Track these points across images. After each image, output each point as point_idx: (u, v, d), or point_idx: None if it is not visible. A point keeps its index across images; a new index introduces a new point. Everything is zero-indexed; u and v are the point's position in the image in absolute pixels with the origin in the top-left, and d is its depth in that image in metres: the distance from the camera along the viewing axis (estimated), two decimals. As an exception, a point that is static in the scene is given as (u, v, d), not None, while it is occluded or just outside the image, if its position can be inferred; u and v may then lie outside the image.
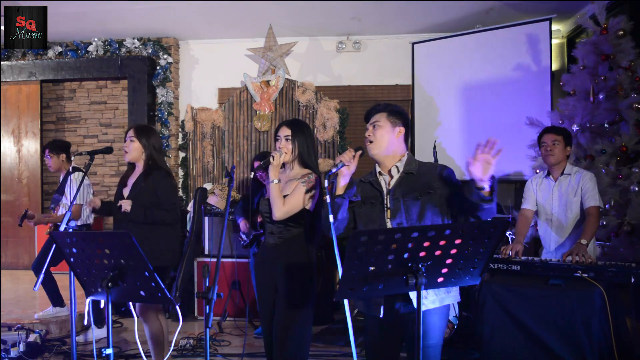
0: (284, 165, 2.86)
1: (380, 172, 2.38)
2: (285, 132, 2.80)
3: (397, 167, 2.34)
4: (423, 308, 2.12)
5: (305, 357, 2.74)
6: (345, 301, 2.19)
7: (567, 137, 3.51)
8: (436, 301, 2.21)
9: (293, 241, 2.74)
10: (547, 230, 3.54)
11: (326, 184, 2.25)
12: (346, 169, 2.26)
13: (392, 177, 2.34)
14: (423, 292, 2.05)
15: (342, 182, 2.30)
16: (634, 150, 4.31)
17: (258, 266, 2.87)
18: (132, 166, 3.36)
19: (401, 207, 2.24)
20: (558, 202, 3.45)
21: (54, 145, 4.61)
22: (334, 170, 2.25)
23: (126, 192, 3.28)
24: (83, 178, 3.33)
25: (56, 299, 4.58)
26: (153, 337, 3.28)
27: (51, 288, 4.53)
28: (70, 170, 4.53)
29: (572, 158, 4.55)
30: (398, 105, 2.46)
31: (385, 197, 2.30)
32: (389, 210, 2.27)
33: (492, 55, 5.79)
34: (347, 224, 2.38)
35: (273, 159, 2.68)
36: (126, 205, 3.13)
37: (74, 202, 4.40)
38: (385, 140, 2.33)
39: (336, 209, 2.27)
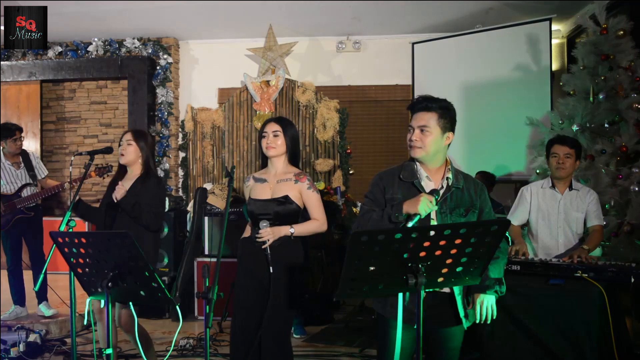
0: (266, 161, 2.84)
1: (428, 177, 2.19)
2: (274, 127, 2.77)
3: (448, 179, 2.17)
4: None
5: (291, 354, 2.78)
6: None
7: (579, 151, 3.39)
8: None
9: (289, 242, 2.74)
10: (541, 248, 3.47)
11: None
12: None
13: (441, 187, 2.17)
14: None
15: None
16: (634, 150, 4.31)
17: (247, 263, 2.78)
18: (122, 169, 3.32)
19: (449, 223, 2.12)
20: (564, 216, 3.38)
21: (18, 127, 4.70)
22: (410, 224, 1.97)
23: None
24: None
25: (20, 298, 4.63)
26: (139, 337, 3.25)
27: (18, 286, 4.62)
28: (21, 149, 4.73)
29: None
30: (448, 102, 2.19)
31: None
32: (435, 222, 2.14)
33: (492, 55, 5.79)
34: None
35: (269, 240, 2.66)
36: (119, 192, 3.06)
37: (45, 176, 4.74)
38: (434, 148, 2.14)
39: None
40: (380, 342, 2.27)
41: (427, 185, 2.17)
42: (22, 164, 4.66)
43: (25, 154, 4.71)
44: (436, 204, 2.06)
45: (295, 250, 2.76)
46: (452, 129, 2.18)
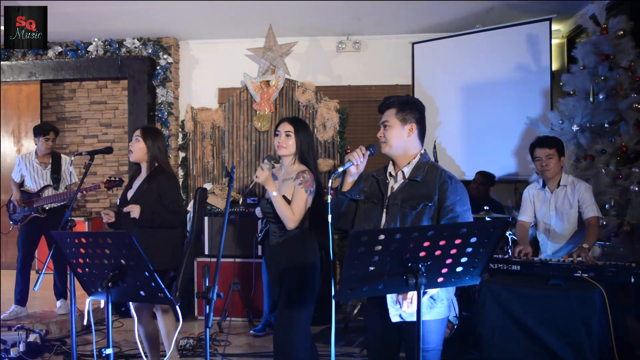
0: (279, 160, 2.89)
1: (390, 173, 2.32)
2: (287, 127, 2.82)
3: (403, 172, 2.26)
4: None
5: (308, 356, 2.77)
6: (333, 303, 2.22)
7: (560, 148, 3.48)
8: (431, 314, 2.17)
9: (294, 239, 2.75)
10: (544, 240, 3.55)
11: (330, 183, 2.18)
12: (354, 168, 2.22)
13: (396, 181, 2.28)
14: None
15: (349, 180, 2.26)
16: (634, 150, 4.31)
17: (265, 266, 2.94)
18: (138, 167, 3.38)
19: (397, 214, 2.19)
20: (555, 214, 3.45)
21: (52, 127, 4.79)
22: (340, 169, 2.21)
23: (130, 194, 3.28)
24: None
25: (23, 298, 4.65)
26: (148, 337, 3.30)
27: (24, 286, 4.64)
28: (53, 152, 4.80)
29: (572, 158, 4.55)
30: (409, 97, 2.33)
31: (386, 200, 2.25)
32: (385, 214, 2.23)
33: (492, 55, 5.79)
34: (347, 218, 2.35)
35: (257, 177, 2.68)
36: (135, 212, 3.12)
37: (72, 183, 4.78)
38: (397, 141, 2.25)
39: (337, 205, 2.26)
40: None
41: (388, 180, 2.30)
42: (50, 165, 4.69)
43: (56, 157, 4.75)
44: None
45: (300, 248, 2.77)
46: (416, 121, 2.26)
